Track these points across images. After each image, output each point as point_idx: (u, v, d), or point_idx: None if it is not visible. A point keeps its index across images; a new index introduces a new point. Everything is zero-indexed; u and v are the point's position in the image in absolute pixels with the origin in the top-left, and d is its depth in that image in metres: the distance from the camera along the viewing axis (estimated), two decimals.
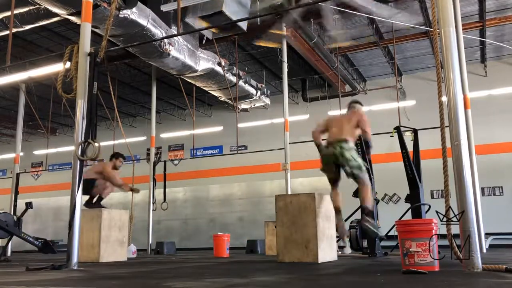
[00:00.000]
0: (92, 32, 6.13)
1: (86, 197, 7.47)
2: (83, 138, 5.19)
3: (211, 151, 17.65)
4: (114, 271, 4.54)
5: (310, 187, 15.07)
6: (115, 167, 7.82)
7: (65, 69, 5.76)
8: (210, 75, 11.52)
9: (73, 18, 8.42)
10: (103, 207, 7.49)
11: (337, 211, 5.72)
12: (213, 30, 10.27)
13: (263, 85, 14.22)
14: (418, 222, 4.03)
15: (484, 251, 8.48)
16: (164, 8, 9.42)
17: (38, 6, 8.59)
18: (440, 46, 4.06)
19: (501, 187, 13.66)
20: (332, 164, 5.49)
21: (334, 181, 5.68)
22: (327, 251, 5.64)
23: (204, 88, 12.64)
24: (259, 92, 13.76)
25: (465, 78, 8.80)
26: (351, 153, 5.33)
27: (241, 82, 12.66)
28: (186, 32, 9.30)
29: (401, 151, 8.27)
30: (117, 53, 11.99)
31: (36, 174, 20.72)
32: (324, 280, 3.32)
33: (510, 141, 13.74)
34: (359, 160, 5.36)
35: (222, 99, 13.41)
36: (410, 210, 8.21)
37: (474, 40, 12.63)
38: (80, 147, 5.15)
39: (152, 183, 12.27)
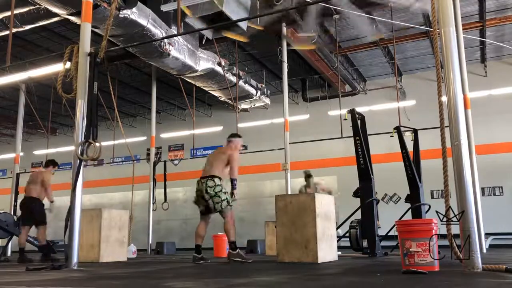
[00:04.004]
0: (92, 32, 6.13)
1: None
2: (84, 138, 5.19)
3: (211, 151, 17.61)
4: (114, 271, 4.54)
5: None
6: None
7: (65, 69, 5.76)
8: (210, 75, 11.52)
9: (73, 18, 8.42)
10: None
11: (198, 246, 6.06)
12: (234, 36, 10.33)
13: (263, 85, 14.22)
14: (418, 222, 4.03)
15: (484, 251, 8.48)
16: (164, 8, 9.42)
17: (38, 6, 8.59)
18: (440, 46, 4.06)
19: (501, 187, 13.66)
20: (201, 199, 5.91)
21: (201, 213, 6.09)
22: (327, 251, 5.64)
23: (204, 88, 12.64)
24: (259, 92, 13.75)
25: (465, 78, 8.80)
26: (215, 190, 5.74)
27: (241, 82, 12.66)
28: (186, 32, 9.30)
29: (401, 151, 8.27)
30: (117, 53, 11.97)
31: None
32: (324, 280, 3.32)
33: (510, 141, 13.74)
34: (223, 196, 5.76)
35: (222, 99, 13.41)
36: (410, 210, 8.21)
37: (474, 40, 12.62)
38: (80, 147, 5.14)
39: (152, 183, 12.27)
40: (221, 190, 5.74)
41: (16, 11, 8.55)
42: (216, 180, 5.80)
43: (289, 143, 10.53)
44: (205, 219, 6.07)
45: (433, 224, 3.77)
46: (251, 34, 10.22)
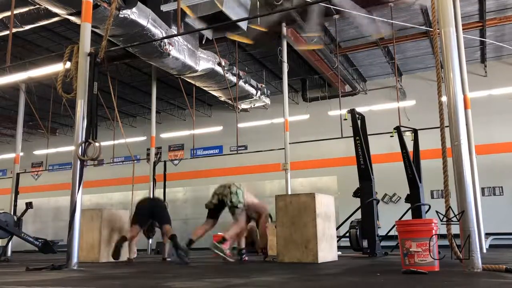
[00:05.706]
0: (92, 32, 6.13)
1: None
2: (83, 138, 5.18)
3: (211, 151, 17.64)
4: (114, 271, 4.54)
5: (310, 187, 15.07)
6: None
7: (65, 69, 5.76)
8: (210, 75, 11.52)
9: (73, 18, 8.41)
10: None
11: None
12: (238, 38, 10.40)
13: (263, 85, 14.22)
14: (418, 222, 4.04)
15: (484, 251, 8.47)
16: (164, 8, 9.41)
17: (38, 6, 8.59)
18: (440, 46, 4.06)
19: (501, 187, 13.65)
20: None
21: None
22: (327, 251, 5.64)
23: (204, 88, 12.63)
24: (259, 92, 13.75)
25: (465, 78, 8.80)
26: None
27: (241, 82, 12.66)
28: (186, 32, 9.30)
29: (401, 151, 8.28)
30: (117, 53, 11.97)
31: (36, 174, 20.72)
32: (324, 280, 3.32)
33: (510, 141, 13.74)
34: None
35: (222, 99, 13.41)
36: (410, 210, 8.21)
37: (474, 40, 12.62)
38: (80, 147, 5.14)
39: (152, 183, 12.26)
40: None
41: (16, 11, 8.55)
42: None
43: (289, 143, 10.53)
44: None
45: (433, 224, 3.77)
46: (254, 35, 10.26)
